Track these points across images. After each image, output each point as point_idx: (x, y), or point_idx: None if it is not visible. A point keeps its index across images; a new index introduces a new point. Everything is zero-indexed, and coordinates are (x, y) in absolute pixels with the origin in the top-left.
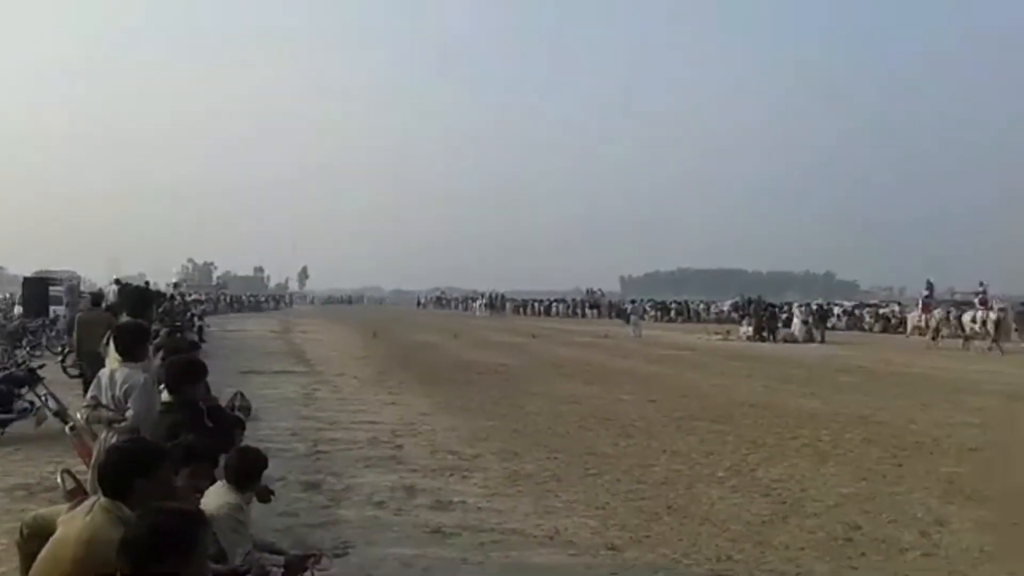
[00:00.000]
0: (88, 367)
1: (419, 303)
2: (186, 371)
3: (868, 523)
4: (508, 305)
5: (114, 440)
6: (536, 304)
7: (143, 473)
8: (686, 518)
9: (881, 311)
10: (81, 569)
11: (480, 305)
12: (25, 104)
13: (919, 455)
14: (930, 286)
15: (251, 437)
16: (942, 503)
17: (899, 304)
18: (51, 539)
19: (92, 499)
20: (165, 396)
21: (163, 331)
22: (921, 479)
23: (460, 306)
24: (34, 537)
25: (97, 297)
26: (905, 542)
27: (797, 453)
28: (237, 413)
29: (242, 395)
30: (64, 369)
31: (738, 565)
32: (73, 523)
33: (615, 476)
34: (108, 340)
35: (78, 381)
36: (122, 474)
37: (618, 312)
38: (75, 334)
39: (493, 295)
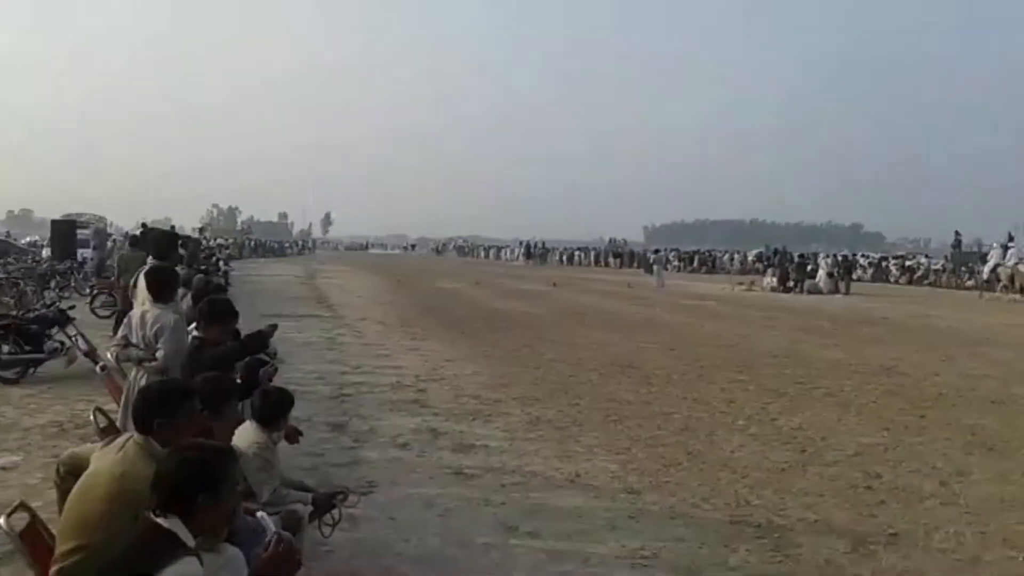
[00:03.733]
0: (125, 302)
1: (437, 251)
2: (227, 310)
3: (888, 472)
4: (550, 256)
5: (144, 379)
6: (560, 253)
7: (174, 410)
8: (705, 464)
9: (907, 263)
10: (114, 504)
11: (518, 254)
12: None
13: (941, 406)
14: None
15: (277, 379)
16: (963, 454)
17: (925, 256)
18: (84, 474)
19: (125, 435)
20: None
21: (196, 276)
22: (942, 430)
23: (487, 254)
24: (70, 476)
25: (135, 238)
26: (925, 491)
27: (819, 402)
28: (263, 356)
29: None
30: (93, 310)
31: (757, 511)
32: (106, 459)
33: (636, 422)
34: (135, 281)
35: (107, 322)
36: (156, 412)
37: (641, 262)
38: (116, 271)
39: (532, 244)
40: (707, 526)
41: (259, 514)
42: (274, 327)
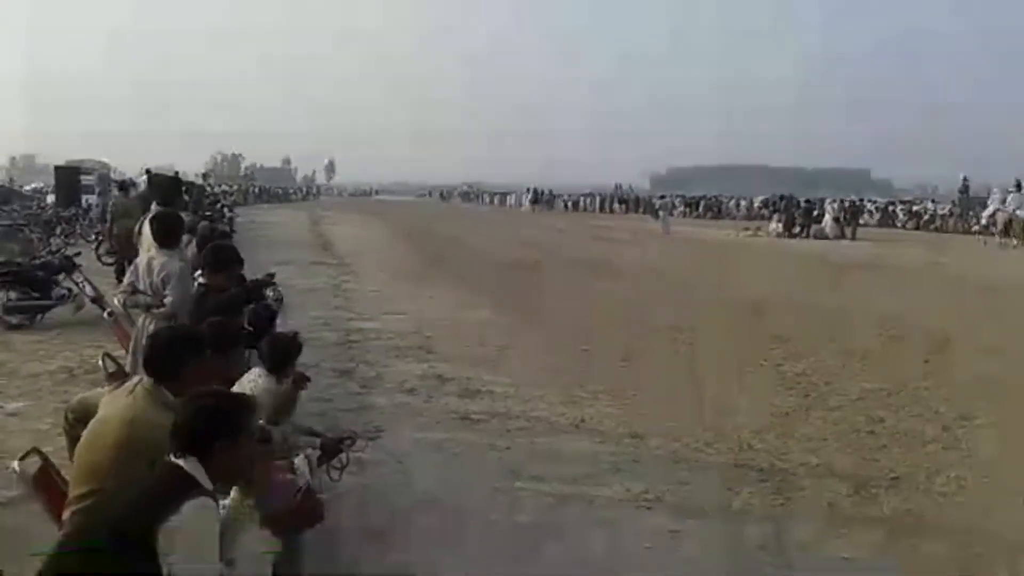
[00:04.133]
0: (121, 250)
1: (442, 196)
2: (232, 256)
3: (891, 417)
4: (557, 202)
5: (152, 326)
6: (565, 199)
7: (188, 358)
8: (709, 409)
9: (915, 208)
10: (122, 450)
11: (527, 200)
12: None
13: (945, 353)
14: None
15: (283, 326)
16: (966, 399)
17: (932, 202)
18: (93, 420)
19: (133, 380)
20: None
21: (201, 223)
22: (947, 376)
23: (492, 200)
24: (79, 422)
25: (124, 185)
26: (927, 436)
27: (822, 348)
28: (269, 302)
29: (274, 285)
30: (98, 257)
31: (759, 455)
32: (115, 404)
33: (640, 368)
34: (140, 228)
35: (112, 269)
36: (167, 358)
37: (647, 208)
38: (109, 220)
39: (540, 191)
40: (710, 470)
41: (296, 460)
42: (272, 275)
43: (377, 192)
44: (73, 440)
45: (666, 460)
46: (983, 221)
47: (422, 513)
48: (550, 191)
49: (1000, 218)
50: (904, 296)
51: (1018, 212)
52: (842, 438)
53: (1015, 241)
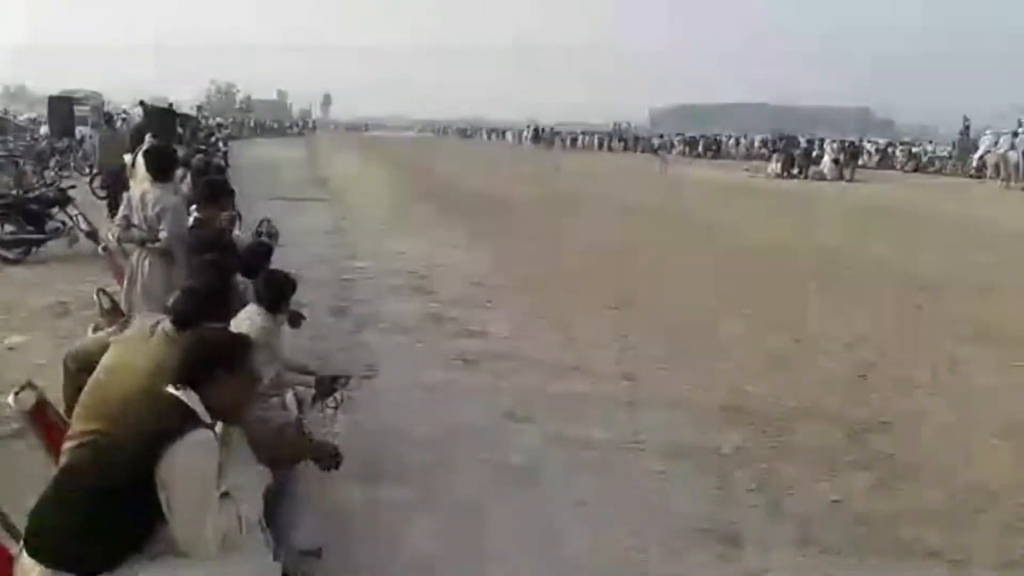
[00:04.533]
0: (108, 179)
1: (436, 132)
2: (225, 189)
3: (882, 362)
4: (556, 139)
5: (147, 260)
6: (563, 137)
7: (214, 316)
8: (702, 352)
9: (914, 150)
10: (144, 400)
11: (526, 137)
12: None
13: (939, 296)
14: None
15: (278, 263)
16: (956, 343)
17: (931, 143)
18: (111, 362)
19: (151, 321)
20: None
21: (196, 156)
22: (939, 320)
23: (490, 137)
24: (81, 371)
25: (108, 117)
26: (917, 380)
27: (815, 292)
28: (264, 239)
29: (269, 221)
30: (93, 190)
31: (751, 398)
32: (134, 349)
33: (636, 310)
34: (133, 161)
35: (105, 203)
36: (199, 312)
37: (646, 147)
38: (97, 153)
39: (539, 128)
40: (702, 413)
41: (288, 396)
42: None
43: (367, 127)
44: (75, 387)
45: (658, 402)
46: (974, 164)
47: (416, 453)
48: (551, 128)
49: (989, 160)
50: (896, 238)
51: (1010, 153)
52: (833, 382)
53: (1001, 182)
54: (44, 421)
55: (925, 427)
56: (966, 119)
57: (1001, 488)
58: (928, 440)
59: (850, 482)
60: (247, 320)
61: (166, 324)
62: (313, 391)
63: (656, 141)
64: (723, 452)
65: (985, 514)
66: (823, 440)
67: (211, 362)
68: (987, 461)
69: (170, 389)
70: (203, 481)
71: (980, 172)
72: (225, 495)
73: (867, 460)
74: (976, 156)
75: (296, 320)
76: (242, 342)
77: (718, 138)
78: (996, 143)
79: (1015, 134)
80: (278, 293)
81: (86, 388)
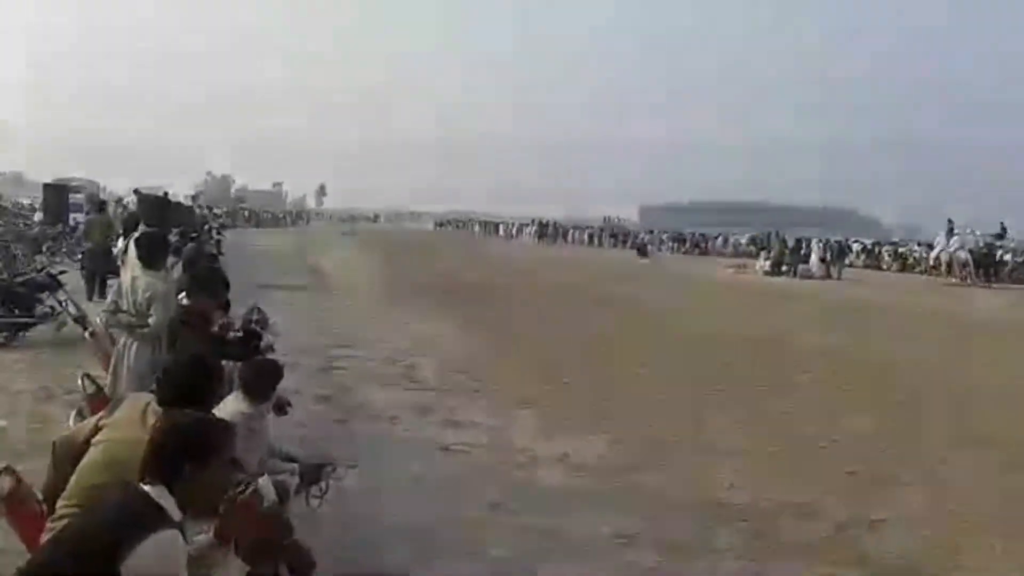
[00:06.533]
0: (91, 261)
1: (438, 225)
2: (214, 281)
3: (874, 459)
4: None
5: (134, 346)
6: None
7: (204, 390)
8: (692, 446)
9: (900, 250)
10: (121, 488)
11: (530, 232)
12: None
13: (929, 396)
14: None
15: (268, 351)
16: (949, 444)
17: (918, 244)
18: (106, 443)
19: (141, 401)
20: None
21: (188, 244)
22: (930, 419)
23: (485, 230)
24: (67, 461)
25: (102, 204)
26: (908, 479)
27: (805, 388)
28: (254, 326)
29: (259, 308)
30: (83, 276)
31: (741, 494)
32: (127, 428)
33: (625, 403)
34: (125, 248)
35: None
36: (182, 389)
37: (635, 245)
38: (83, 233)
39: (543, 222)
40: (692, 507)
41: (260, 481)
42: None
43: (377, 217)
44: (61, 476)
45: (648, 496)
46: (931, 262)
47: (401, 544)
48: (554, 224)
49: (943, 258)
50: (886, 337)
51: (959, 252)
52: (824, 479)
53: (954, 279)
54: (20, 507)
55: (917, 526)
56: (950, 221)
57: None
58: (920, 539)
59: None
60: (230, 406)
61: (155, 404)
62: (297, 480)
63: (646, 237)
64: (714, 547)
65: None
66: (813, 537)
67: (180, 455)
68: (979, 563)
69: (139, 485)
70: None
71: (934, 270)
72: None
73: (856, 559)
74: (932, 255)
75: (282, 408)
76: (217, 430)
77: (706, 236)
78: (948, 242)
79: (954, 233)
80: (264, 380)
81: (77, 471)
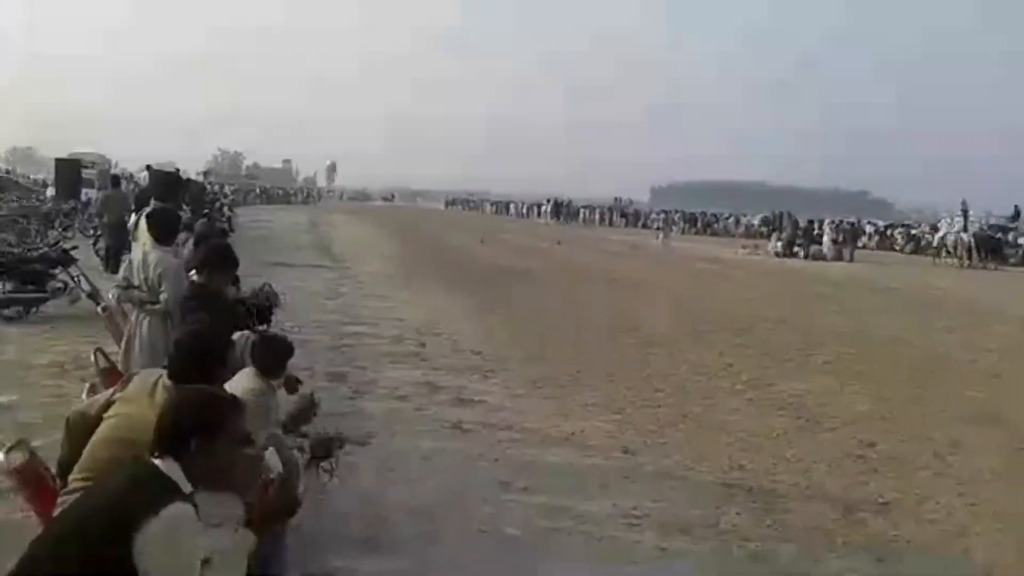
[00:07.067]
0: (108, 236)
1: (447, 204)
2: (227, 256)
3: (883, 441)
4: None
5: (146, 321)
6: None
7: (213, 364)
8: (701, 427)
9: (913, 232)
10: (132, 463)
11: (545, 211)
12: None
13: (940, 378)
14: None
15: (278, 328)
16: (958, 426)
17: (930, 226)
18: (116, 418)
19: (152, 376)
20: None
21: (199, 221)
22: (940, 402)
23: (495, 209)
24: (81, 434)
25: (116, 179)
26: (918, 461)
27: (817, 370)
28: (265, 303)
29: (270, 286)
30: (96, 252)
31: (749, 475)
32: (142, 405)
33: (634, 383)
34: (136, 223)
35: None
36: (194, 363)
37: (645, 222)
38: (99, 208)
39: (560, 201)
40: (699, 488)
41: (268, 452)
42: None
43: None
44: (74, 449)
45: (656, 476)
46: (935, 244)
47: (409, 521)
48: (569, 203)
49: (948, 241)
50: (898, 319)
51: (962, 235)
52: (832, 461)
53: (955, 261)
54: (33, 480)
55: (925, 509)
56: (964, 202)
57: (997, 573)
58: (928, 522)
59: (848, 563)
60: (241, 383)
61: (165, 379)
62: (308, 454)
63: (660, 217)
64: (721, 528)
65: None
66: (820, 519)
67: (189, 430)
68: (988, 546)
69: (150, 458)
70: (182, 557)
71: (939, 253)
72: (206, 562)
73: (865, 541)
74: (937, 237)
75: (292, 385)
76: (227, 405)
77: (717, 216)
78: (952, 226)
79: (968, 216)
80: (274, 357)
81: (90, 445)
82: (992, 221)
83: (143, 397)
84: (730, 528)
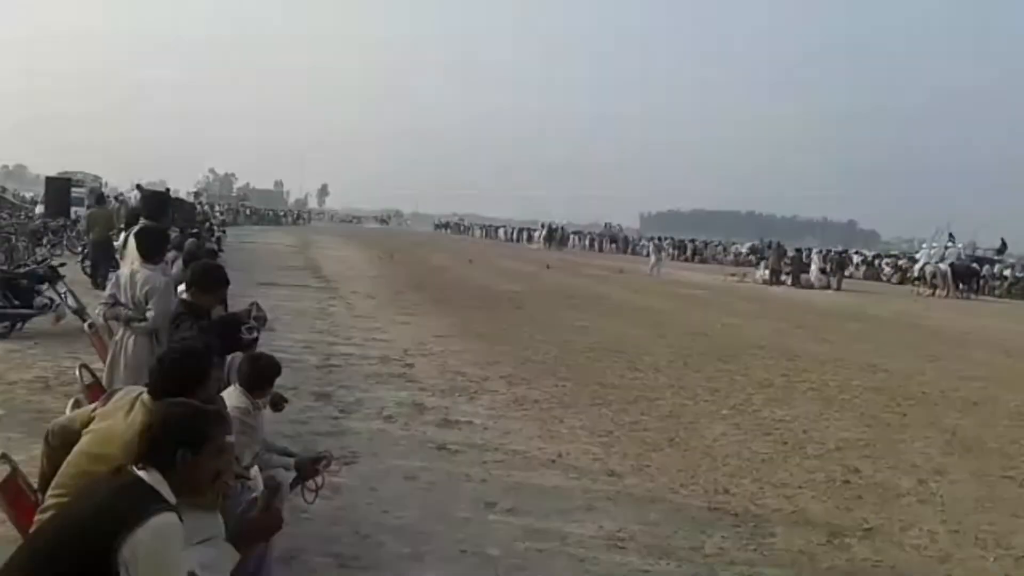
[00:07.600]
0: (93, 253)
1: (438, 227)
2: (218, 275)
3: (867, 468)
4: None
5: (131, 339)
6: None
7: (196, 383)
8: (687, 451)
9: (900, 262)
10: (115, 475)
11: (538, 237)
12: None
13: (923, 405)
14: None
15: (265, 347)
16: (942, 453)
17: (908, 257)
18: (92, 434)
19: (132, 394)
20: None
21: (188, 240)
22: (923, 429)
23: (484, 234)
24: (61, 448)
25: (100, 197)
26: (902, 488)
27: (802, 396)
28: (253, 323)
29: (258, 305)
30: (83, 269)
31: (734, 499)
32: (115, 420)
33: (620, 406)
34: (125, 241)
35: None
36: (176, 379)
37: (634, 248)
38: (85, 225)
39: (553, 226)
40: (684, 512)
41: (252, 471)
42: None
43: (387, 219)
44: (54, 462)
45: (641, 500)
46: (915, 273)
47: (394, 541)
48: (562, 229)
49: (928, 271)
50: (883, 347)
51: (940, 265)
52: (817, 487)
53: (929, 291)
54: (15, 494)
55: (909, 535)
56: (951, 234)
57: None
58: (912, 548)
59: None
60: (227, 400)
61: (145, 396)
62: (293, 474)
63: (648, 244)
64: (706, 552)
65: None
66: (805, 544)
67: (173, 442)
68: (971, 572)
69: (133, 468)
70: (170, 565)
71: (917, 282)
72: (190, 575)
73: (849, 566)
74: (916, 268)
75: (279, 404)
76: (211, 419)
77: (706, 243)
78: (931, 255)
79: (945, 247)
80: (261, 376)
81: (66, 461)
82: (978, 253)
83: (119, 413)
84: (715, 552)
